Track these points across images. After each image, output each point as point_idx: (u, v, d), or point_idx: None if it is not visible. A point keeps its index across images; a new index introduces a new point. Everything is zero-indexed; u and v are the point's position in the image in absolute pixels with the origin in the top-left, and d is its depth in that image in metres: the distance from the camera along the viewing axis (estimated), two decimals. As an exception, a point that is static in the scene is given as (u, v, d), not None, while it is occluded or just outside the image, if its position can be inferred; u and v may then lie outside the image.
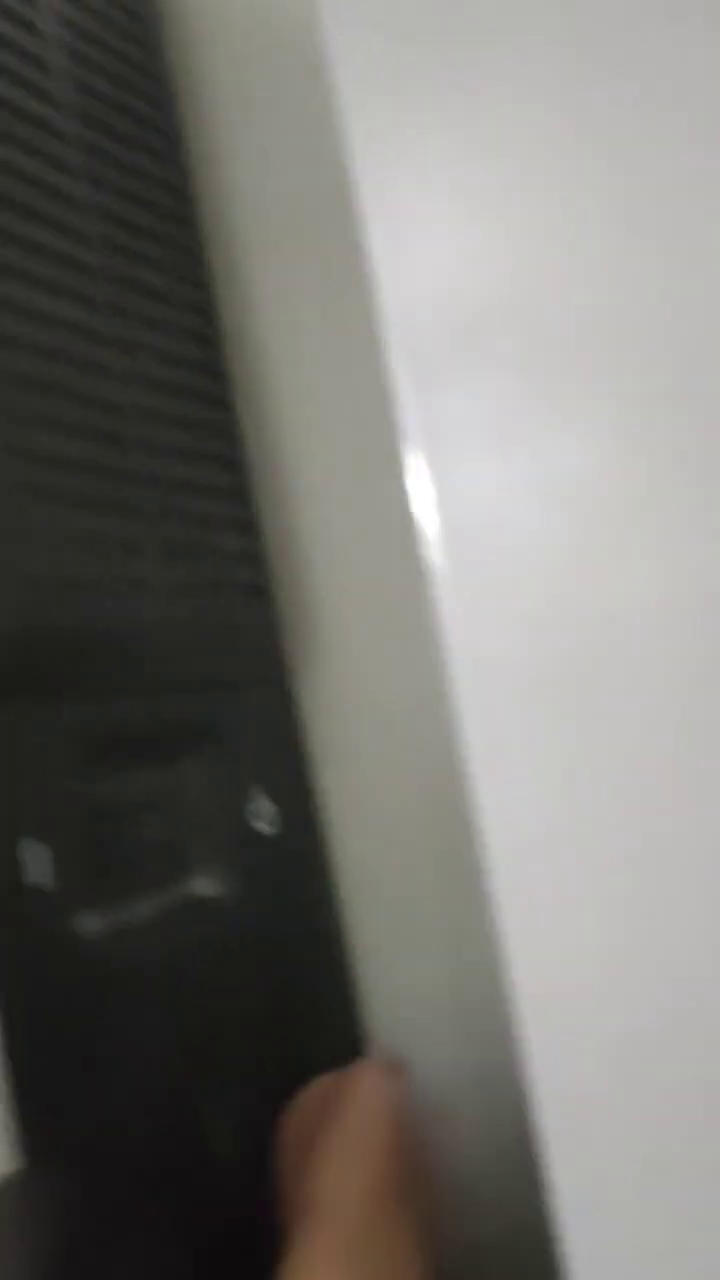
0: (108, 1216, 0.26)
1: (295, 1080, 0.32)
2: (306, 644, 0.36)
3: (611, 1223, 0.25)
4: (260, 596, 0.33)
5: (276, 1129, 0.30)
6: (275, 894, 0.33)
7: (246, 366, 0.35)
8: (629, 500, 0.26)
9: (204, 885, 0.31)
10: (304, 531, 0.35)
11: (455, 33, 0.26)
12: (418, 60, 0.27)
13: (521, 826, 0.30)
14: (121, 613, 0.28)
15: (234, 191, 0.36)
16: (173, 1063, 0.28)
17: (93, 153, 0.31)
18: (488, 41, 0.26)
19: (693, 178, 0.25)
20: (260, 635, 0.33)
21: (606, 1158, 0.26)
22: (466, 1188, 0.34)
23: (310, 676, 0.36)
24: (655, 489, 0.26)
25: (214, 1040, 0.29)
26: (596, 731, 0.27)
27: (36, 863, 0.26)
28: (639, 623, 0.26)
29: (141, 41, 0.34)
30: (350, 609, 0.35)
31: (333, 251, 0.35)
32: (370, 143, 0.26)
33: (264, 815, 0.33)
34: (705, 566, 0.26)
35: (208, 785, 0.32)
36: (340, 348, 0.35)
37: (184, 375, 0.32)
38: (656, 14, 0.25)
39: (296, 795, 0.34)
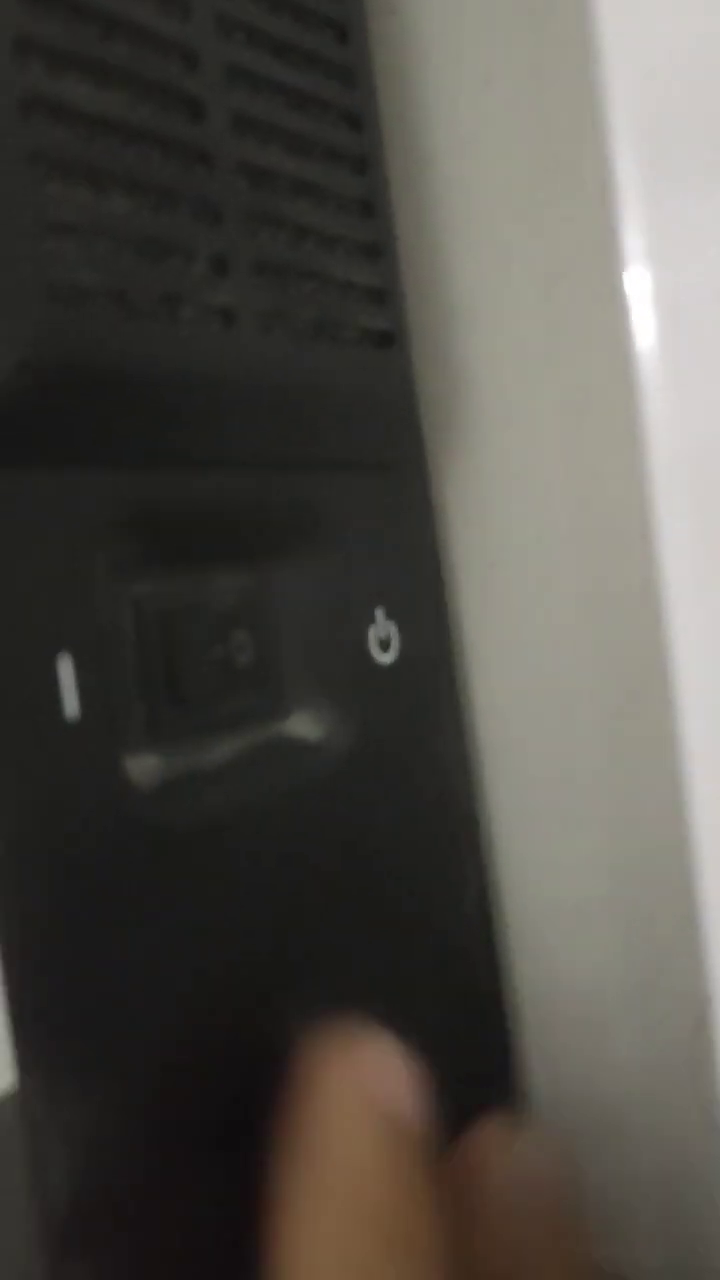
0: (143, 1141, 0.19)
1: (405, 986, 0.25)
2: (448, 420, 0.27)
3: None
4: (390, 347, 0.24)
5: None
6: (392, 742, 0.25)
7: (393, 29, 0.26)
8: None
9: (299, 725, 0.24)
10: (456, 266, 0.26)
11: None
12: None
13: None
14: (195, 350, 0.20)
15: None
16: (246, 958, 0.21)
17: None
18: None
19: None
20: (387, 401, 0.25)
21: None
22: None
23: (450, 464, 0.27)
24: None
25: (300, 929, 0.22)
26: None
27: (72, 689, 0.19)
28: None
29: None
30: (511, 378, 0.27)
31: None
32: None
33: (382, 639, 0.25)
34: None
35: (310, 595, 0.24)
36: (528, 25, 0.26)
37: (297, 28, 0.23)
38: None
39: (424, 617, 0.26)
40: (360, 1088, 0.20)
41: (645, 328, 0.22)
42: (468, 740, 0.27)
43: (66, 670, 0.19)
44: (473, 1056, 0.27)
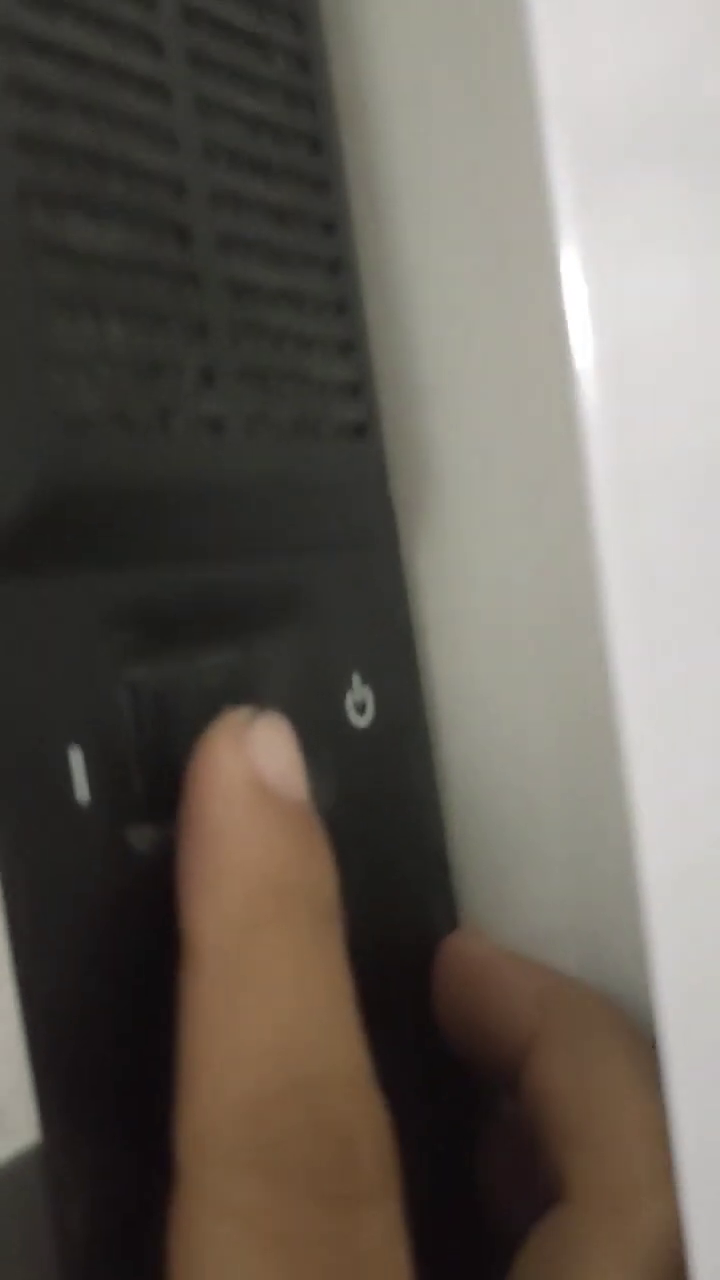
0: (163, 1194, 0.21)
1: (390, 1018, 0.27)
2: (417, 498, 0.29)
3: None
4: (364, 437, 0.26)
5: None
6: (369, 800, 0.27)
7: (358, 140, 0.28)
8: None
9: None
10: (420, 357, 0.29)
11: None
12: None
13: (681, 744, 0.24)
14: (187, 458, 0.22)
15: None
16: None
17: None
18: None
19: None
20: (362, 486, 0.27)
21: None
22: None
23: (420, 537, 0.29)
24: None
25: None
26: None
27: (82, 777, 0.21)
28: None
29: None
30: (473, 458, 0.29)
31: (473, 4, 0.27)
32: None
33: (359, 703, 0.27)
34: None
35: (292, 667, 0.26)
36: (476, 125, 0.28)
37: (275, 148, 0.25)
38: None
39: (398, 679, 0.28)
40: (244, 766, 0.21)
41: (593, 406, 0.24)
42: (439, 792, 0.29)
43: (77, 760, 0.21)
44: (445, 1082, 0.29)
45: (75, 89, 0.21)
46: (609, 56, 0.22)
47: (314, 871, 0.22)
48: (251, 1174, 0.18)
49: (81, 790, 0.21)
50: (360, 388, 0.26)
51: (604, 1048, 0.24)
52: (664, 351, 0.23)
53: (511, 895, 0.29)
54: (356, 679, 0.27)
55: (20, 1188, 0.19)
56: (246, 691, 0.25)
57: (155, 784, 0.23)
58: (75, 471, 0.20)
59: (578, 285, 0.23)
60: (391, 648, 0.28)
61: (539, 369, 0.27)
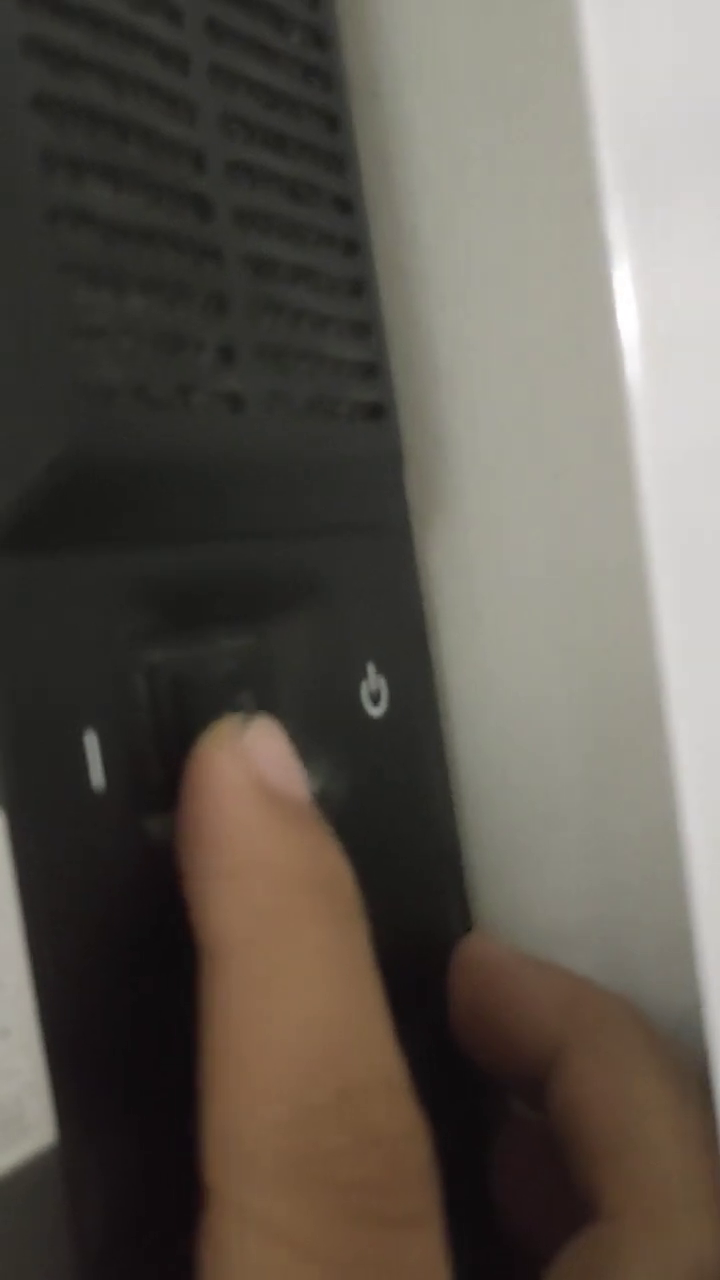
0: (168, 1188, 0.20)
1: (400, 1015, 0.26)
2: (432, 483, 0.29)
3: None
4: (380, 419, 0.26)
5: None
6: (382, 790, 0.27)
7: (374, 120, 0.28)
8: None
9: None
10: (437, 343, 0.28)
11: None
12: None
13: None
14: (207, 434, 0.22)
15: None
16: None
17: None
18: None
19: None
20: (378, 468, 0.26)
21: None
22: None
23: (434, 523, 0.29)
24: None
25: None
26: None
27: (98, 762, 0.20)
28: None
29: None
30: (490, 442, 0.28)
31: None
32: None
33: (373, 692, 0.26)
34: None
35: (307, 654, 0.25)
36: (496, 107, 0.27)
37: (291, 123, 0.24)
38: None
39: (412, 669, 0.28)
40: (246, 768, 0.20)
41: (620, 390, 0.24)
42: (453, 783, 0.29)
43: (93, 745, 0.20)
44: (456, 1087, 0.28)
45: (94, 52, 0.20)
46: (660, 63, 0.22)
47: (335, 867, 0.21)
48: (294, 1193, 0.17)
49: (97, 776, 0.20)
50: (376, 369, 0.26)
51: (635, 1059, 0.23)
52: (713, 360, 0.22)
53: (527, 888, 0.29)
54: (371, 668, 0.26)
55: (39, 1187, 0.18)
56: (263, 677, 0.25)
57: (172, 771, 0.22)
58: (97, 442, 0.19)
59: (628, 294, 0.22)
60: (405, 636, 0.28)
61: (557, 356, 0.27)
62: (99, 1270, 0.19)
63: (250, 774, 0.20)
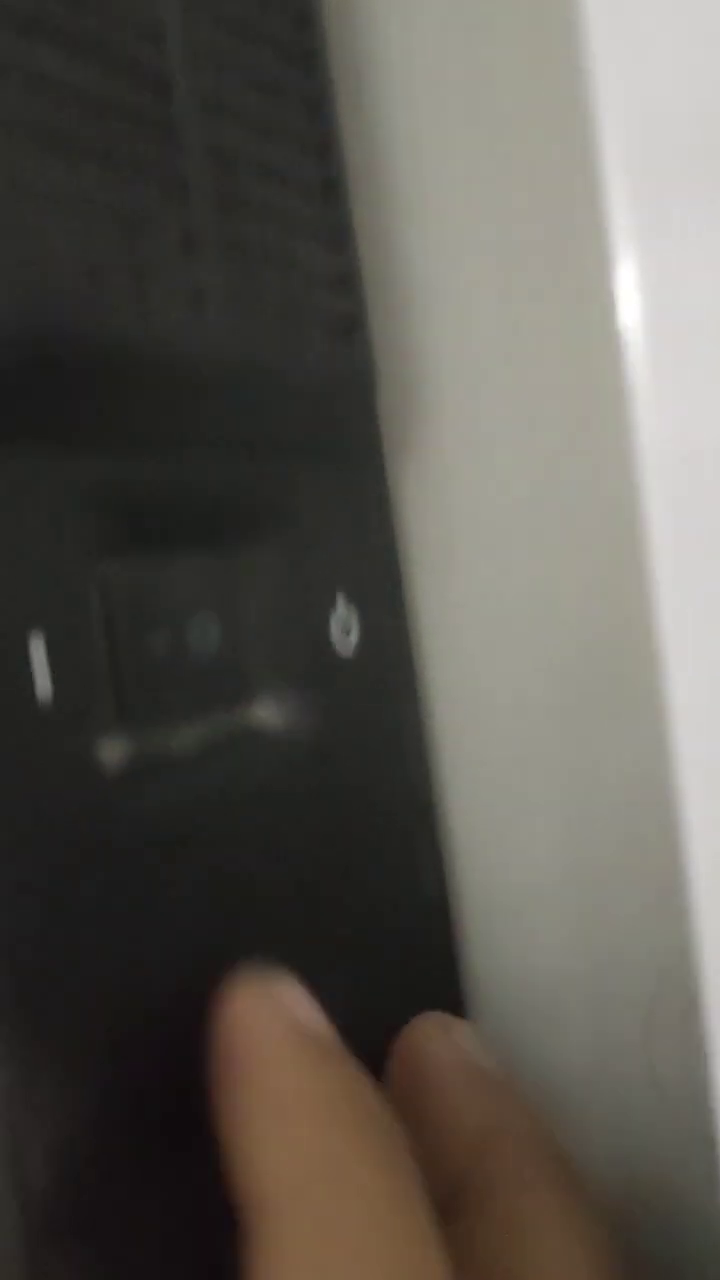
0: (115, 1130, 0.19)
1: (364, 969, 0.25)
2: (405, 409, 0.27)
3: None
4: (352, 333, 0.24)
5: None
6: (350, 730, 0.25)
7: (352, 11, 0.26)
8: None
9: (263, 713, 0.24)
10: (415, 254, 0.27)
11: None
12: None
13: None
14: (164, 328, 0.20)
15: None
16: (211, 940, 0.21)
17: None
18: None
19: None
20: (349, 386, 0.25)
21: None
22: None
23: (407, 453, 0.27)
24: None
25: (264, 912, 0.22)
26: None
27: (44, 670, 0.19)
28: None
29: None
30: (467, 367, 0.27)
31: None
32: None
33: (344, 629, 0.25)
34: None
35: (274, 583, 0.24)
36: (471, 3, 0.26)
37: (260, 13, 0.23)
38: None
39: (384, 604, 0.26)
40: (279, 1012, 0.20)
41: (615, 318, 0.23)
42: (425, 726, 0.27)
43: (39, 650, 0.19)
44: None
45: None
46: (667, 70, 0.21)
47: (376, 1106, 0.20)
48: None
49: (44, 685, 0.19)
50: (349, 281, 0.24)
51: (535, 1218, 0.21)
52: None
53: (503, 835, 0.27)
54: (341, 599, 0.25)
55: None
56: (225, 600, 0.23)
57: (126, 691, 0.21)
58: (39, 316, 0.18)
59: (633, 296, 0.21)
60: (377, 569, 0.26)
61: (540, 270, 0.26)
62: (45, 1219, 0.17)
63: (283, 1015, 0.20)
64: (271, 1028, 0.19)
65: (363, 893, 0.25)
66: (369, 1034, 0.21)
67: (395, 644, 0.26)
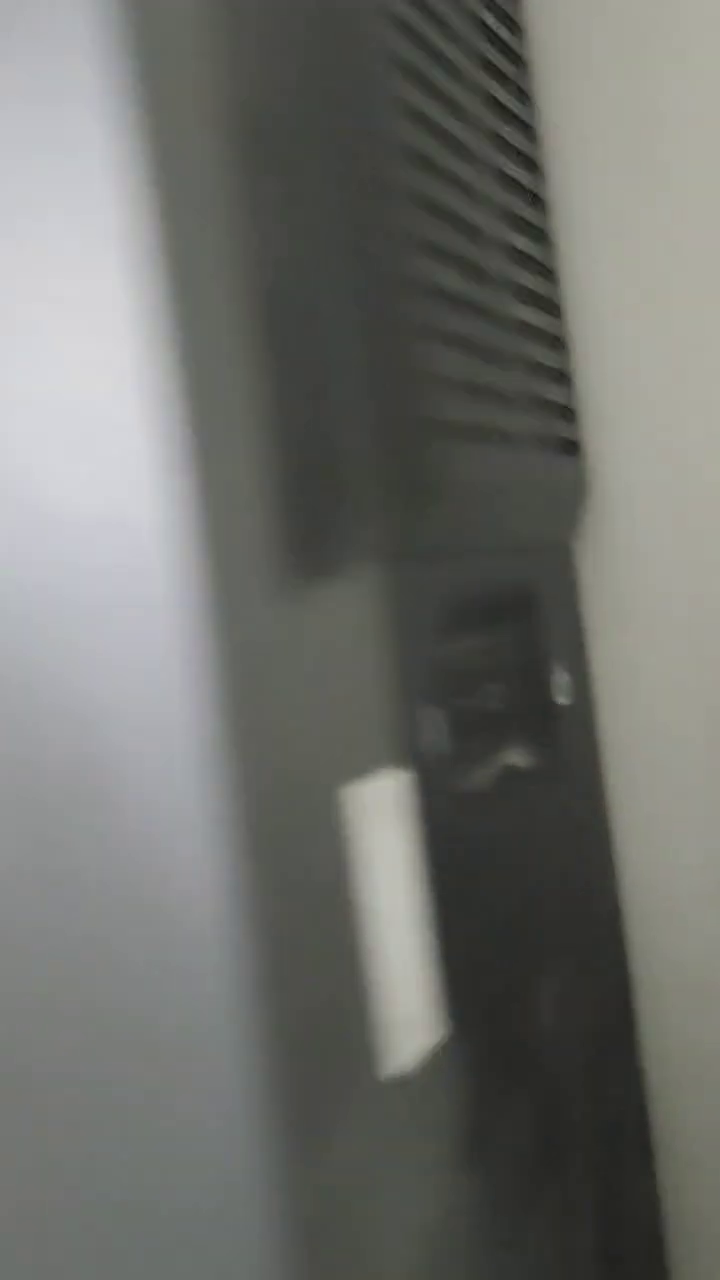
0: (499, 1080, 0.25)
1: (562, 956, 0.31)
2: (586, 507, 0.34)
3: None
4: (576, 454, 0.31)
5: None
6: (569, 769, 0.31)
7: (564, 193, 0.33)
8: None
9: (518, 756, 0.30)
10: (597, 391, 0.33)
11: None
12: None
13: None
14: (494, 466, 0.26)
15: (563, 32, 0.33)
16: (505, 935, 0.27)
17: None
18: None
19: None
20: (574, 493, 0.31)
21: None
22: None
23: (590, 536, 0.34)
24: None
25: (529, 916, 0.29)
26: None
27: (434, 726, 0.25)
28: None
29: None
30: (632, 476, 0.34)
31: (656, 103, 0.32)
32: None
33: (562, 685, 0.31)
34: None
35: (523, 651, 0.30)
36: (660, 195, 0.33)
37: (515, 200, 0.29)
38: None
39: (581, 665, 0.33)
40: None
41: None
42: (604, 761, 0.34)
43: (425, 715, 0.24)
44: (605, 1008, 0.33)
45: (449, 201, 0.25)
46: None
47: None
48: None
49: (439, 741, 0.25)
50: (574, 413, 0.31)
51: None
52: None
53: (664, 852, 0.34)
54: (558, 666, 0.31)
55: (432, 1075, 0.23)
56: (496, 669, 0.29)
57: (465, 739, 0.27)
58: (435, 469, 0.24)
59: None
60: (575, 637, 0.33)
61: (693, 406, 0.32)
62: (471, 1152, 0.23)
63: None
64: None
65: (578, 895, 0.31)
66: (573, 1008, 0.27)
67: (585, 698, 0.33)
